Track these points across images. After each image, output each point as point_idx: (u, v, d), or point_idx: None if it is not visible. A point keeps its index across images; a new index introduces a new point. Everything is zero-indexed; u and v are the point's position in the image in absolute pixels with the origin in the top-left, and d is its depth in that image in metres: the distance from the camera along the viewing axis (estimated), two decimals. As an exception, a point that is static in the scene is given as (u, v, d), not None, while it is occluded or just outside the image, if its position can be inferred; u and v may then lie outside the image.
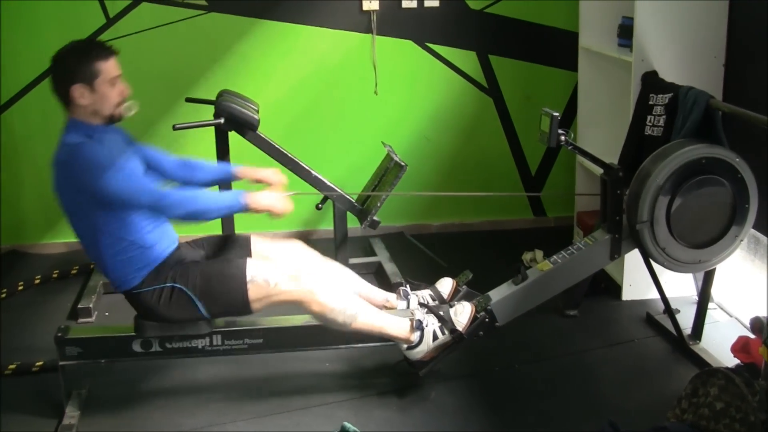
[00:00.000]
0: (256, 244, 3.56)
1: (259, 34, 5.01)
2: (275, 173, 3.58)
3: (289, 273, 3.23)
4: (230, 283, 3.20)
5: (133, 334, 3.29)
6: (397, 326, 3.37)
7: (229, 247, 3.53)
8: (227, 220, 4.37)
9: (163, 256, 3.26)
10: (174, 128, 4.11)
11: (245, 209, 3.20)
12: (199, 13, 4.93)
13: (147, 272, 3.20)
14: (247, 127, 4.18)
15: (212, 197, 3.18)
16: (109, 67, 3.11)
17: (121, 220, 3.10)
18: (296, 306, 3.26)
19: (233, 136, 4.25)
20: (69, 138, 3.09)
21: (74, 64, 3.08)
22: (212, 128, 4.23)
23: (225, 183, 3.75)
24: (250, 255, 3.46)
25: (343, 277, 3.66)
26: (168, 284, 3.19)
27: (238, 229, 4.41)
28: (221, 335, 3.34)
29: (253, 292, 3.18)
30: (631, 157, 3.78)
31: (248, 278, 3.18)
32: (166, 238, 3.32)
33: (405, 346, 3.39)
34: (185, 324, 3.27)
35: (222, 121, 4.12)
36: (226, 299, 3.20)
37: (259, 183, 3.56)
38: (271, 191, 3.38)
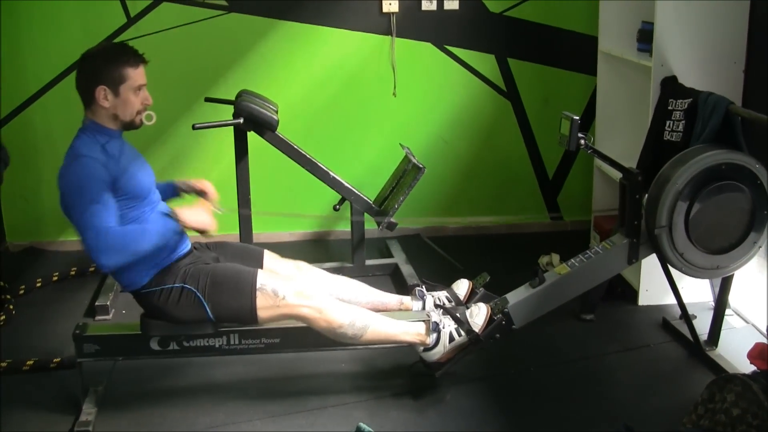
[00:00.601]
0: (268, 258, 3.58)
1: (279, 34, 5.02)
2: (209, 186, 3.54)
3: (297, 289, 3.24)
4: (239, 288, 3.20)
5: (149, 332, 3.31)
6: (410, 331, 3.37)
7: (242, 256, 3.53)
8: (245, 221, 4.38)
9: (173, 257, 3.27)
10: (193, 128, 4.13)
11: (181, 232, 3.17)
12: (219, 14, 4.95)
13: (155, 272, 3.20)
14: (266, 128, 4.20)
15: (147, 234, 3.06)
16: (137, 74, 3.13)
17: (127, 222, 3.11)
18: (304, 323, 3.29)
19: (252, 136, 4.27)
20: (79, 144, 3.11)
21: (103, 65, 3.10)
22: (231, 128, 4.25)
23: (175, 198, 3.61)
24: (261, 267, 3.47)
25: (353, 291, 3.66)
26: (177, 284, 3.19)
27: (256, 229, 4.44)
28: (238, 334, 3.34)
29: (260, 301, 3.18)
30: (649, 162, 3.77)
31: (258, 286, 3.19)
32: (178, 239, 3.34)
33: (421, 347, 3.39)
34: (192, 324, 3.27)
35: (241, 121, 4.14)
36: (234, 304, 3.20)
37: (198, 194, 3.52)
38: (202, 204, 3.34)
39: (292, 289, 3.22)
